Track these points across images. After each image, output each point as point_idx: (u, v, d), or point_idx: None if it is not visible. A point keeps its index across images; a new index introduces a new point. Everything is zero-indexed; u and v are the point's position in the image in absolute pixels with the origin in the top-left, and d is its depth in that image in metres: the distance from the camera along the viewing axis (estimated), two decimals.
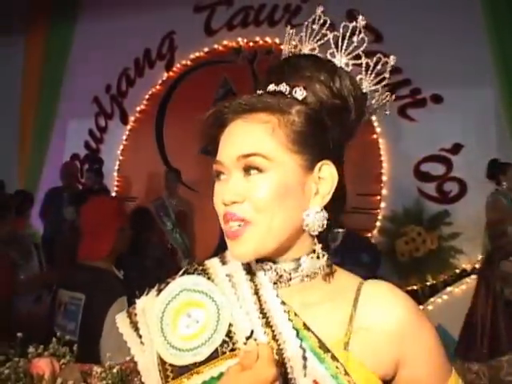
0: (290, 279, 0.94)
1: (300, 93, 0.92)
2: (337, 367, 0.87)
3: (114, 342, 1.96)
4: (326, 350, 0.88)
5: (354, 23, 0.95)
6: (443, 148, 5.07)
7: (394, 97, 1.01)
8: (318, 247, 0.93)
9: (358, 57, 0.95)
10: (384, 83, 0.98)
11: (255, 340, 0.87)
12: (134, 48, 6.73)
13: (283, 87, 0.94)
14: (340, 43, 0.95)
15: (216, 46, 6.50)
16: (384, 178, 5.42)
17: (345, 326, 0.91)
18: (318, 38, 0.97)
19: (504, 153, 4.80)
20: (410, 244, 4.98)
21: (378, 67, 0.96)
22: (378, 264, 3.69)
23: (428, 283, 4.89)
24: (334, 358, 0.88)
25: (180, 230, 5.74)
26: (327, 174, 0.92)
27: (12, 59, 7.17)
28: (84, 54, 6.74)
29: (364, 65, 0.96)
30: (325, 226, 0.91)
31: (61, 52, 7.12)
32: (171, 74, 6.80)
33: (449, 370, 0.97)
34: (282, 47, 1.03)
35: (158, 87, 6.85)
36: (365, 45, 0.94)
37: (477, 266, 4.74)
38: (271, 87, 0.95)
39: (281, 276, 0.93)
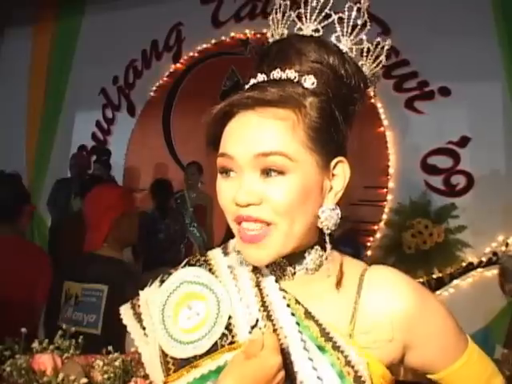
0: (295, 273, 0.91)
1: (310, 82, 0.85)
2: (338, 358, 0.85)
3: None
4: (328, 339, 0.86)
5: (359, 5, 0.88)
6: (451, 141, 5.01)
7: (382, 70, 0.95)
8: (329, 248, 0.88)
9: (360, 41, 0.89)
10: (380, 67, 0.93)
11: (260, 329, 0.86)
12: (142, 39, 6.70)
13: (291, 74, 0.85)
14: (345, 26, 0.88)
15: (223, 38, 6.45)
16: (391, 171, 5.37)
17: (349, 314, 0.89)
18: (320, 18, 0.89)
19: None
20: (417, 237, 4.95)
21: (377, 50, 0.91)
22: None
23: (434, 276, 4.85)
24: (335, 347, 0.86)
25: (198, 225, 5.72)
26: (340, 171, 0.88)
27: (20, 50, 7.18)
28: (91, 46, 6.72)
29: (365, 49, 0.90)
30: (338, 224, 0.87)
31: (68, 43, 7.10)
32: (178, 65, 6.78)
33: (463, 344, 0.94)
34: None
35: (165, 79, 6.82)
36: (368, 27, 0.89)
37: (483, 259, 4.73)
38: (277, 74, 0.86)
39: (285, 270, 0.91)
